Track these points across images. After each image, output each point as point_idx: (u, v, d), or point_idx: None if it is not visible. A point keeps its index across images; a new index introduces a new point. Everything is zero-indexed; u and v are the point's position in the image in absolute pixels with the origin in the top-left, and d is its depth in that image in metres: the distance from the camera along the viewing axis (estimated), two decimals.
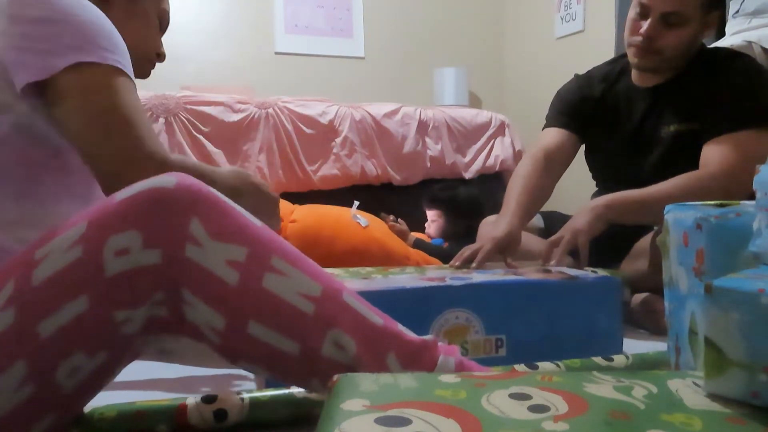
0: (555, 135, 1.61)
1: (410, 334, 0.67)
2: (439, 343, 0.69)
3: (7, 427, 0.59)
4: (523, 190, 1.50)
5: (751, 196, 0.83)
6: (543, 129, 1.67)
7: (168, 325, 0.62)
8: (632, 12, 1.41)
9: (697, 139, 1.41)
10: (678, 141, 1.44)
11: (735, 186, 1.30)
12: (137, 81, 0.82)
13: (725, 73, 1.39)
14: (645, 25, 1.37)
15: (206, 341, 0.63)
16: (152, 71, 0.97)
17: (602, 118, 1.58)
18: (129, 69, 0.76)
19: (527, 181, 1.52)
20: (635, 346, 1.25)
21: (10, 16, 0.70)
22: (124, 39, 0.79)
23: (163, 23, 0.97)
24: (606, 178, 1.66)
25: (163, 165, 0.72)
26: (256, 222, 0.64)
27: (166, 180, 0.61)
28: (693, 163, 1.39)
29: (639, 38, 1.39)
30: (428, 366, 0.66)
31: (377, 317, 0.66)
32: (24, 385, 0.58)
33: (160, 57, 0.97)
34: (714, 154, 1.35)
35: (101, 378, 0.64)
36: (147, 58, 0.94)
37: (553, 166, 1.58)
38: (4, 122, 0.71)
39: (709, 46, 1.58)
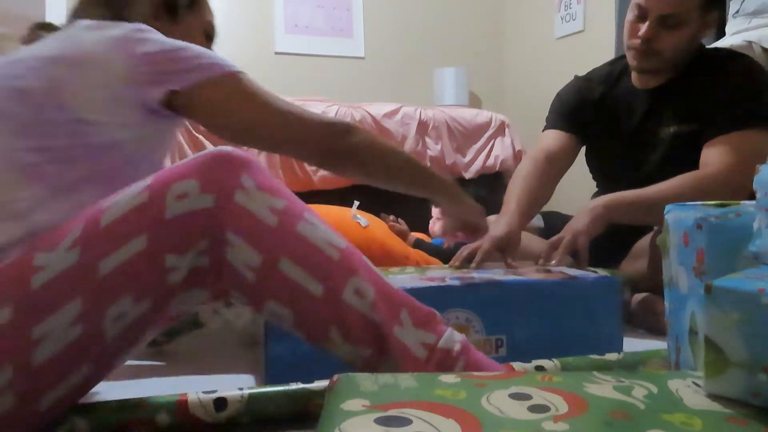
0: (555, 137, 1.61)
1: (420, 303, 0.75)
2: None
3: (47, 372, 0.63)
4: (523, 191, 1.50)
5: (752, 196, 0.83)
6: (543, 131, 1.67)
7: (207, 276, 0.69)
8: (630, 14, 1.41)
9: (696, 139, 1.40)
10: (678, 142, 1.44)
11: (735, 186, 1.29)
12: None
13: (725, 73, 1.39)
14: (643, 27, 1.36)
15: (239, 287, 0.69)
16: None
17: (602, 120, 1.58)
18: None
19: (527, 182, 1.52)
20: (635, 346, 1.25)
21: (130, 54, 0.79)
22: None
23: (210, 35, 1.02)
24: (606, 179, 1.66)
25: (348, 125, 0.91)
26: (289, 190, 0.74)
27: (225, 148, 0.71)
28: (693, 164, 1.39)
29: (637, 41, 1.38)
30: (436, 332, 0.72)
31: (391, 283, 0.74)
32: (74, 325, 0.63)
33: (212, 36, 1.03)
34: (713, 154, 1.35)
35: (139, 332, 0.69)
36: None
37: (554, 167, 1.57)
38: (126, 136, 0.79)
39: (709, 46, 1.58)
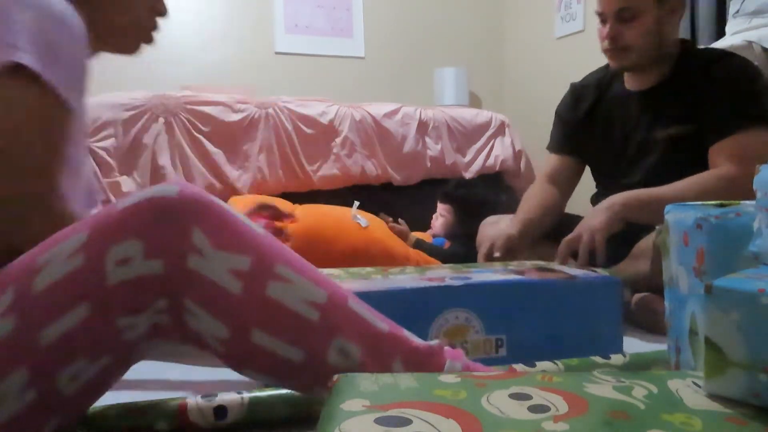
0: (556, 161, 1.70)
1: (416, 340, 0.67)
2: (445, 348, 0.68)
3: (14, 431, 0.59)
4: (530, 205, 1.60)
5: None
6: (547, 149, 1.75)
7: (171, 332, 0.62)
8: (597, 24, 1.49)
9: (694, 141, 1.41)
10: (675, 144, 1.45)
11: (742, 187, 1.30)
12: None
13: (721, 73, 1.40)
14: (606, 29, 1.44)
15: (210, 350, 0.62)
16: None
17: (598, 125, 1.61)
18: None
19: (533, 200, 1.62)
20: (635, 346, 1.25)
21: None
22: (107, 12, 0.77)
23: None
24: (605, 181, 1.68)
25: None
26: (259, 230, 0.63)
27: (169, 189, 0.60)
28: (690, 166, 1.39)
29: (606, 42, 1.45)
30: (434, 370, 0.65)
31: (383, 324, 0.65)
32: (26, 391, 0.57)
33: (161, 13, 0.88)
34: (725, 154, 1.35)
35: (105, 381, 0.63)
36: (143, 24, 0.86)
37: (559, 188, 1.67)
38: None
39: (709, 46, 1.58)
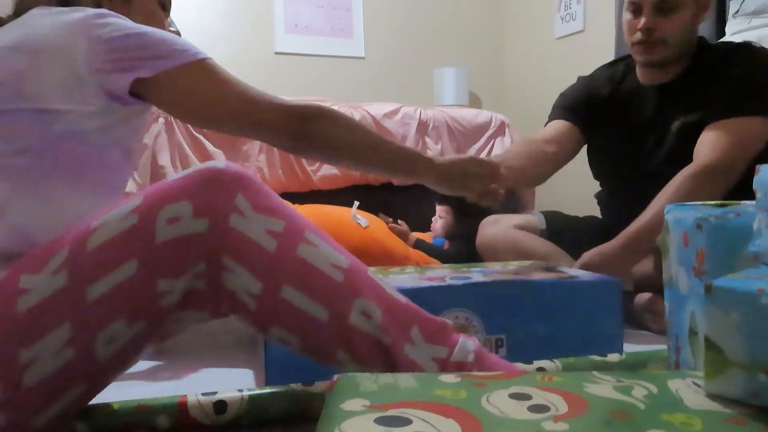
0: (555, 125, 1.59)
1: (430, 315, 0.72)
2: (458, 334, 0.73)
3: (39, 393, 0.62)
4: (515, 149, 1.52)
5: (745, 181, 0.82)
6: (549, 118, 1.65)
7: (205, 299, 0.66)
8: (626, 14, 1.43)
9: (701, 129, 1.39)
10: (686, 133, 1.43)
11: (728, 172, 1.30)
12: None
13: (730, 62, 1.39)
14: (642, 20, 1.38)
15: (242, 311, 0.67)
16: None
17: (611, 116, 1.57)
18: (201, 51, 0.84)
19: (517, 147, 1.55)
20: (635, 346, 1.25)
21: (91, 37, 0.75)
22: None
23: (164, 4, 0.99)
24: (609, 176, 1.64)
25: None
26: (290, 205, 0.71)
27: (217, 163, 0.68)
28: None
29: (639, 35, 1.39)
30: (449, 344, 0.70)
31: (400, 295, 0.71)
32: (65, 349, 0.62)
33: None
34: (706, 142, 1.34)
35: (133, 352, 0.68)
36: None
37: (549, 149, 1.54)
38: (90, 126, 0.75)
39: (723, 42, 1.57)
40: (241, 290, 0.65)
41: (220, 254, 0.64)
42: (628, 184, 1.50)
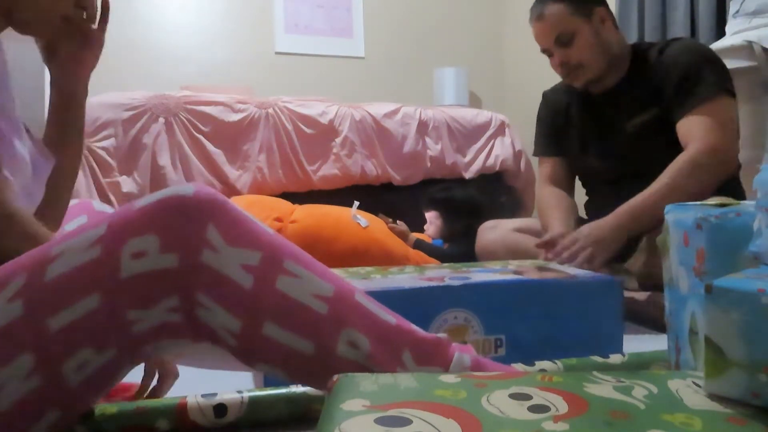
0: (547, 163, 1.74)
1: (423, 332, 0.68)
2: (453, 344, 0.69)
3: (13, 419, 0.60)
4: (553, 206, 1.61)
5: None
6: (534, 155, 1.79)
7: (182, 331, 0.63)
8: (549, 60, 1.57)
9: (659, 123, 1.46)
10: (643, 130, 1.50)
11: (724, 154, 1.37)
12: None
13: (668, 55, 1.47)
14: (555, 58, 1.53)
15: (222, 344, 0.63)
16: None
17: (573, 129, 1.65)
18: None
19: (550, 200, 1.64)
20: (635, 346, 1.25)
21: None
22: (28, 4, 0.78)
23: None
24: (590, 183, 1.72)
25: None
26: (267, 229, 0.66)
27: (185, 189, 0.63)
28: (659, 147, 1.45)
29: (560, 69, 1.54)
30: (443, 363, 0.67)
31: (389, 316, 0.67)
32: (31, 377, 0.59)
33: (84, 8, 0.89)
34: (692, 129, 1.39)
35: (108, 376, 0.64)
36: (53, 20, 0.86)
37: (562, 188, 1.69)
38: None
39: (653, 41, 1.63)
40: (219, 327, 0.61)
41: (193, 291, 0.60)
42: (602, 189, 1.60)
